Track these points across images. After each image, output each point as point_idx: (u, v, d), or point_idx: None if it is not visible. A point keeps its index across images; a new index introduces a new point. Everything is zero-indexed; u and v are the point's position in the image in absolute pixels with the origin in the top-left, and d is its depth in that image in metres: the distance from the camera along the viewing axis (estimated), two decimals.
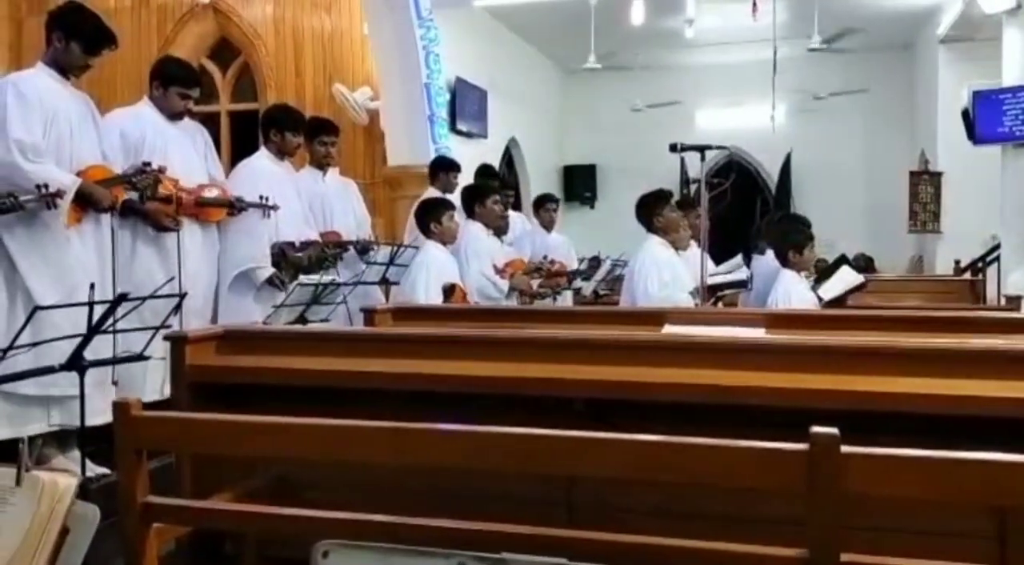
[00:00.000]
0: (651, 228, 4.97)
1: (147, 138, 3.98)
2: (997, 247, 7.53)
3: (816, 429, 1.39)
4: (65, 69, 3.58)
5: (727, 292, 4.81)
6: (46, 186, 3.32)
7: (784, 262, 4.71)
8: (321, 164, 5.11)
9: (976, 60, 8.30)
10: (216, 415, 1.89)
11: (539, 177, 10.73)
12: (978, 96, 7.03)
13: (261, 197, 4.29)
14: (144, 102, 4.14)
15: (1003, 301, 6.46)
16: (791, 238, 4.75)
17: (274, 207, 4.33)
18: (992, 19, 7.07)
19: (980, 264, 8.09)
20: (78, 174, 3.49)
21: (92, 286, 2.55)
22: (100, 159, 3.66)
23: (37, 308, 2.64)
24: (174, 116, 4.10)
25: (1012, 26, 6.77)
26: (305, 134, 4.95)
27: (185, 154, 4.10)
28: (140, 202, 3.83)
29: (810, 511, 1.40)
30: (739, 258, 5.70)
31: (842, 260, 5.74)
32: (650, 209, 4.99)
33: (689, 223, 5.41)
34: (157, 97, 4.10)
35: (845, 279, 5.13)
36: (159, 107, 4.09)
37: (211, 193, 4.16)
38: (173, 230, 3.93)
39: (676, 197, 6.85)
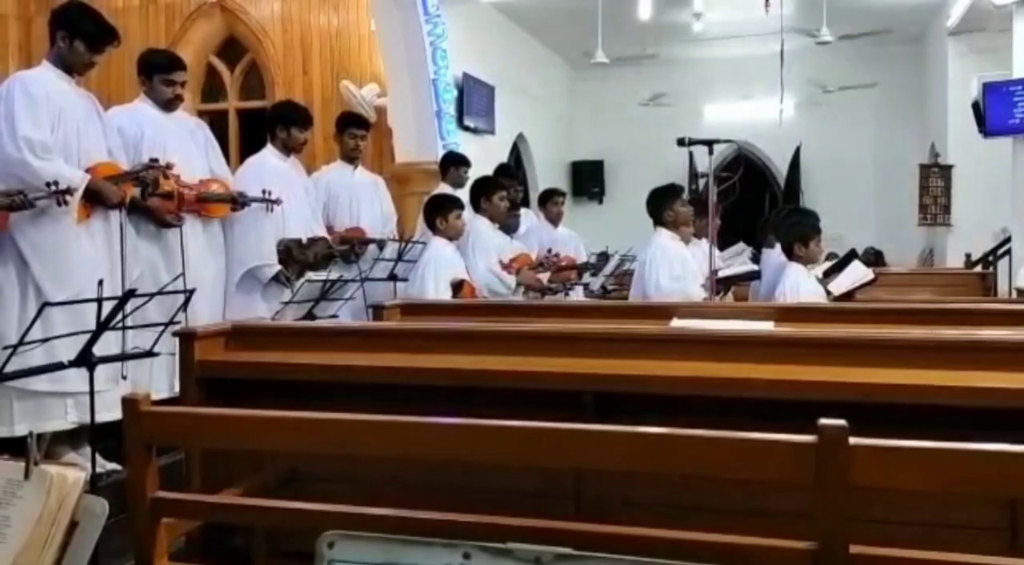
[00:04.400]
0: (660, 221, 4.96)
1: (145, 134, 4.00)
2: (1008, 240, 7.48)
3: (824, 421, 1.38)
4: (70, 67, 3.59)
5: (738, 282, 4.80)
6: (56, 183, 3.33)
7: (790, 255, 4.69)
8: (350, 157, 5.29)
9: (986, 52, 8.24)
10: (225, 410, 1.90)
11: (547, 173, 10.71)
12: (988, 88, 6.98)
13: (263, 192, 4.30)
14: (140, 99, 4.17)
15: (1014, 294, 6.43)
16: (797, 231, 4.73)
17: (277, 201, 4.34)
18: (1002, 11, 7.02)
19: (991, 257, 8.04)
20: (86, 171, 3.51)
21: (100, 282, 2.56)
22: (106, 156, 3.67)
23: (46, 304, 2.65)
24: (168, 106, 4.11)
25: (1022, 18, 6.71)
26: (336, 127, 5.30)
27: (184, 149, 4.11)
28: (142, 198, 3.84)
29: (818, 503, 1.39)
30: (741, 244, 5.69)
31: (852, 254, 5.71)
32: (661, 203, 4.98)
33: (696, 223, 5.41)
34: (147, 91, 4.13)
35: (854, 274, 5.10)
36: (153, 101, 4.11)
37: (213, 188, 4.17)
38: (175, 226, 3.95)
39: (685, 193, 6.84)
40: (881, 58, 10.53)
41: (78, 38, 3.54)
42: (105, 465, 3.35)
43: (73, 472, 1.39)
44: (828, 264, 5.43)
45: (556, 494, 2.15)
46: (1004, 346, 2.14)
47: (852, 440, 1.38)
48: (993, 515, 1.92)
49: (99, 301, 2.45)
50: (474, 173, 6.14)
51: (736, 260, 5.60)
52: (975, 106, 7.29)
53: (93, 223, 3.55)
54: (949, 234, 9.21)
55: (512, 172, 7.13)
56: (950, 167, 9.17)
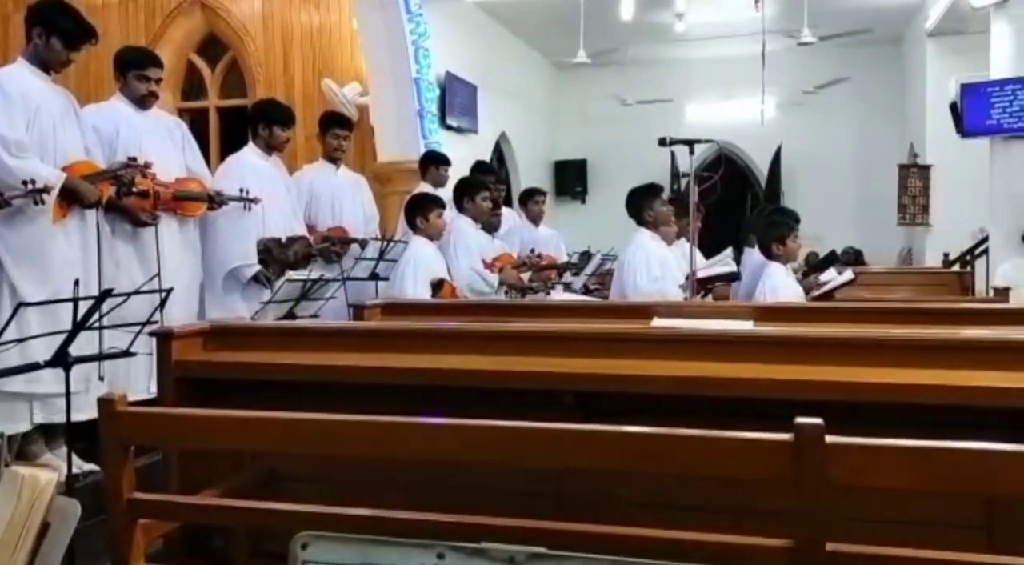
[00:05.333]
0: (641, 221, 4.97)
1: (120, 132, 3.96)
2: (985, 239, 7.56)
3: (800, 420, 1.39)
4: (46, 65, 3.55)
5: (718, 283, 4.80)
6: (32, 182, 3.29)
7: (769, 255, 4.71)
8: (333, 157, 5.28)
9: (964, 53, 8.32)
10: (201, 410, 1.89)
11: (529, 172, 10.72)
12: (966, 89, 7.04)
13: (241, 191, 4.28)
14: (116, 97, 4.13)
15: (991, 293, 6.49)
16: (773, 230, 4.75)
17: (254, 200, 4.31)
18: (980, 12, 7.09)
19: (969, 257, 8.12)
20: (63, 170, 3.47)
21: (76, 282, 2.53)
22: (83, 154, 3.63)
23: (21, 304, 2.62)
24: (142, 103, 4.07)
25: (1000, 19, 6.79)
26: (319, 127, 5.29)
27: (160, 147, 4.07)
28: (117, 197, 3.80)
29: (796, 501, 1.40)
30: (729, 251, 5.70)
31: (832, 257, 5.75)
32: (640, 202, 4.99)
33: (678, 223, 5.41)
34: (122, 88, 4.09)
35: (832, 277, 5.16)
36: (128, 98, 4.07)
37: (189, 187, 4.13)
38: (151, 225, 3.91)
39: (667, 192, 6.86)
40: (861, 59, 10.61)
41: (55, 35, 3.51)
42: (82, 466, 3.32)
43: (45, 473, 1.38)
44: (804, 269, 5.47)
45: (537, 494, 2.14)
46: (982, 345, 2.16)
47: (829, 438, 1.38)
48: (969, 513, 1.93)
49: (75, 301, 2.42)
50: (457, 173, 6.13)
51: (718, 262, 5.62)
52: (953, 107, 7.36)
53: (69, 222, 3.51)
54: (928, 234, 9.30)
55: (491, 169, 7.10)
56: (928, 167, 9.25)
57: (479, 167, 6.65)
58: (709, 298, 5.08)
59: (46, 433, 3.52)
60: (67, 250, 3.48)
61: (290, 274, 4.29)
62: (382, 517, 1.49)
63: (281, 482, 2.32)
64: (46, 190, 3.31)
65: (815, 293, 4.96)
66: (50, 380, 3.12)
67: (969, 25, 8.08)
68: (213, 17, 7.94)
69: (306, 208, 5.04)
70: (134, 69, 4.06)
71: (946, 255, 8.13)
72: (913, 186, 9.32)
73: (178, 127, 4.35)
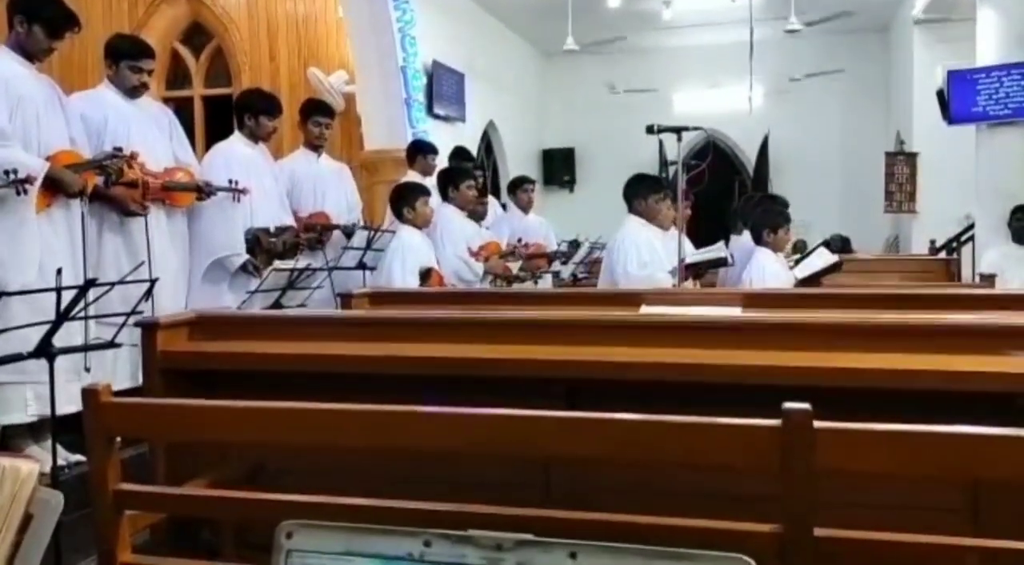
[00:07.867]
0: (632, 208, 4.97)
1: (109, 121, 3.91)
2: (971, 226, 7.60)
3: (788, 405, 1.39)
4: (29, 53, 3.51)
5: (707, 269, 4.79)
6: (15, 171, 3.25)
7: (759, 241, 4.72)
8: (314, 145, 5.22)
9: (951, 40, 8.33)
10: (186, 400, 1.87)
11: (518, 161, 10.70)
12: (953, 76, 7.05)
13: (230, 181, 4.24)
14: (104, 84, 4.08)
15: (977, 279, 6.53)
16: (768, 218, 4.77)
17: (243, 191, 4.28)
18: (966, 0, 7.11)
19: (955, 243, 8.17)
20: (47, 159, 3.43)
21: (59, 271, 2.50)
22: (68, 144, 3.59)
23: (2, 294, 2.59)
24: (132, 93, 4.03)
25: (985, 6, 6.79)
26: (300, 115, 5.20)
27: (149, 136, 4.03)
28: (105, 187, 3.76)
29: (784, 487, 1.40)
30: (720, 244, 5.71)
31: (822, 245, 5.77)
32: (636, 191, 4.98)
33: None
34: (111, 76, 4.04)
35: (820, 258, 5.16)
36: (117, 87, 4.03)
37: (178, 177, 4.10)
38: (140, 215, 3.88)
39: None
40: (848, 47, 10.63)
41: (37, 23, 3.46)
42: (69, 458, 3.30)
43: (27, 464, 1.36)
44: (796, 257, 5.48)
45: (525, 482, 2.14)
46: (967, 330, 2.16)
47: (817, 424, 1.39)
48: (956, 497, 1.94)
49: (58, 290, 2.40)
50: (445, 162, 6.10)
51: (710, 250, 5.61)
52: (939, 94, 7.37)
53: (54, 212, 3.47)
54: (914, 221, 9.34)
55: (470, 155, 7.02)
56: (915, 154, 9.29)
57: (458, 153, 6.61)
58: (697, 285, 5.08)
59: (32, 425, 3.49)
60: (52, 240, 3.44)
61: (277, 263, 4.27)
62: (370, 506, 1.48)
63: (270, 475, 2.31)
64: (29, 180, 3.27)
65: (800, 276, 4.97)
66: (37, 370, 3.09)
67: (955, 12, 8.10)
68: (197, 5, 7.87)
69: (288, 196, 5.01)
70: (127, 59, 4.01)
71: (932, 242, 8.16)
72: (900, 173, 9.36)
73: (166, 115, 4.32)
